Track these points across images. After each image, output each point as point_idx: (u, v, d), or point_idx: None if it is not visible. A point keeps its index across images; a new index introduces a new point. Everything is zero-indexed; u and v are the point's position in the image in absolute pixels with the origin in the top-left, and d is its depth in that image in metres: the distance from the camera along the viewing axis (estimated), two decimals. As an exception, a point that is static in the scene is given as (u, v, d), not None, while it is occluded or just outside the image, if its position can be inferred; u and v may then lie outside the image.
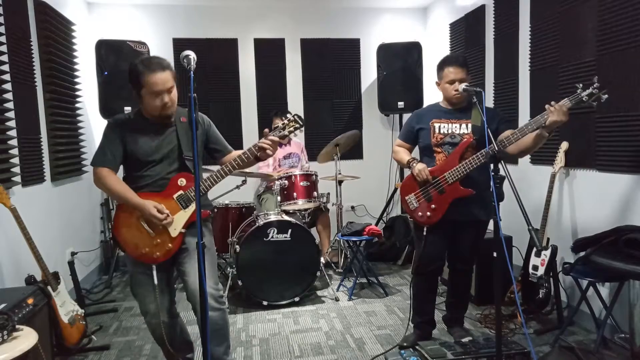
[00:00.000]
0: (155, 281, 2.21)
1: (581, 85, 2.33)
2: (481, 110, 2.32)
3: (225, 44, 5.13)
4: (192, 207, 2.22)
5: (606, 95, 2.29)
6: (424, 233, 2.73)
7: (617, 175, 2.79)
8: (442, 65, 2.73)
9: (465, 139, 2.65)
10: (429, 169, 2.66)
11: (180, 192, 2.22)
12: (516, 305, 3.03)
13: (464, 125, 2.69)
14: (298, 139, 4.88)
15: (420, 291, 2.93)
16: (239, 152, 2.29)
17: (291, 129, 2.23)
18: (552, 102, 2.31)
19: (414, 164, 2.72)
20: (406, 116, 4.88)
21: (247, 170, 4.00)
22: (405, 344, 2.84)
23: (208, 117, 2.42)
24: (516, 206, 1.98)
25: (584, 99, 2.30)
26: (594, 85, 2.29)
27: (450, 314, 3.04)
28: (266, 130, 2.22)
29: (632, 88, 2.65)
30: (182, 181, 2.22)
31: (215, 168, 2.32)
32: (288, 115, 2.24)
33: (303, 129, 2.27)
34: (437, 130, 2.74)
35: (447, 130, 2.72)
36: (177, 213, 2.21)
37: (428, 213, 2.70)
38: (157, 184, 2.22)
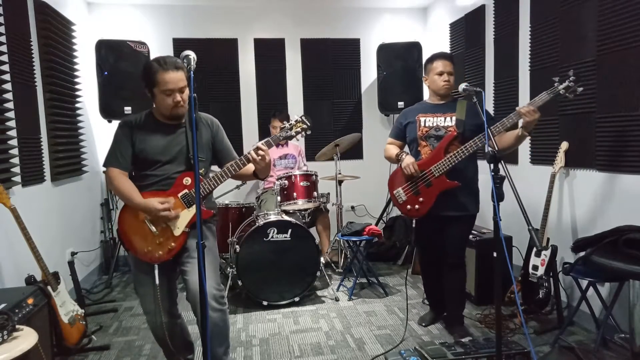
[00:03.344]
0: (157, 281, 2.20)
1: (558, 78, 2.54)
2: (481, 110, 2.33)
3: (225, 44, 5.12)
4: None
5: (581, 88, 2.52)
6: (413, 225, 2.91)
7: (617, 175, 2.79)
8: (431, 59, 2.91)
9: (449, 133, 2.75)
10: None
11: (185, 191, 2.21)
12: (516, 305, 3.04)
13: (448, 119, 2.81)
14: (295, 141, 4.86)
15: (427, 282, 3.20)
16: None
17: (298, 129, 2.24)
18: (517, 108, 2.54)
19: (403, 157, 2.83)
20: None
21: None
22: (423, 324, 3.17)
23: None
24: (516, 206, 1.98)
25: (560, 91, 2.51)
26: (570, 79, 2.51)
27: (449, 312, 3.05)
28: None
29: (632, 88, 2.65)
30: (187, 180, 2.22)
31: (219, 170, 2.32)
32: (295, 117, 2.25)
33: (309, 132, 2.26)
34: (422, 124, 2.86)
35: (432, 124, 2.84)
36: (181, 212, 2.21)
37: (416, 206, 2.80)
38: (163, 183, 2.22)
